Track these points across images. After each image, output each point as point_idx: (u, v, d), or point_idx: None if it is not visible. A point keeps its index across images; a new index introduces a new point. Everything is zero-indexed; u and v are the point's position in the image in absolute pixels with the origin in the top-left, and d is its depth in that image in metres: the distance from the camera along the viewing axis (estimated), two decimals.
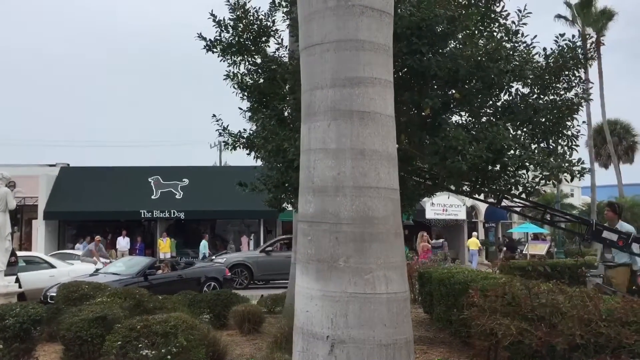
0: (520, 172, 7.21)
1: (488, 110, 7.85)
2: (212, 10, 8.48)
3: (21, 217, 28.73)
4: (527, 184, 7.40)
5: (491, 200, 9.91)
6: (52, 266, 16.22)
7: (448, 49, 7.20)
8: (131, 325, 6.94)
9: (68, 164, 31.68)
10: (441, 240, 19.36)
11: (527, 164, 6.67)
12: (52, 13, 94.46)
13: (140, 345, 6.64)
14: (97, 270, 16.39)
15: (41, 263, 16.19)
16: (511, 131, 7.09)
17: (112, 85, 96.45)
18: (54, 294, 11.76)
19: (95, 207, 27.72)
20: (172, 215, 28.38)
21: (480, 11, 7.65)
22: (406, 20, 6.61)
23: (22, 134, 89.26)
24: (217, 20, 8.46)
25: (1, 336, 7.41)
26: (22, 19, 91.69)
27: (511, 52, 7.31)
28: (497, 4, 8.03)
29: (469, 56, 6.82)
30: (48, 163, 31.48)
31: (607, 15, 36.68)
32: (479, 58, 6.90)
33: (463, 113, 7.87)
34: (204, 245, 26.85)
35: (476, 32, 7.53)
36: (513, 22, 7.55)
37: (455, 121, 7.77)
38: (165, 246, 26.18)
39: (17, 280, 12.61)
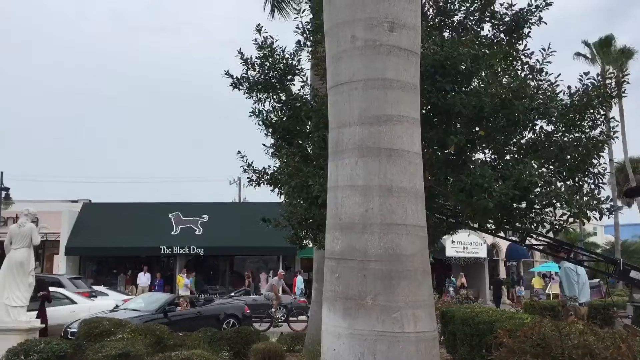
0: (547, 210, 7.15)
1: (512, 148, 7.85)
2: (240, 49, 8.68)
3: (43, 252, 28.94)
4: (554, 222, 7.33)
5: (515, 238, 9.81)
6: (73, 302, 16.25)
7: (472, 86, 7.25)
8: None
9: (90, 200, 32.02)
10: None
11: (554, 201, 6.61)
12: (69, 52, 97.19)
13: None
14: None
15: (62, 298, 16.21)
16: (537, 169, 7.06)
17: (130, 122, 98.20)
18: (75, 330, 11.77)
19: (115, 243, 27.89)
20: (191, 251, 28.43)
21: (504, 50, 7.71)
22: (430, 59, 6.69)
23: (44, 169, 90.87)
24: (244, 58, 8.63)
25: None
26: (49, 55, 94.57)
27: (535, 90, 7.34)
28: (520, 43, 8.11)
29: (494, 94, 6.85)
30: (70, 199, 31.86)
31: (627, 54, 36.68)
32: (504, 96, 6.94)
33: (487, 150, 7.86)
34: (300, 281, 26.94)
35: (500, 70, 7.58)
36: (537, 60, 7.61)
37: (479, 159, 7.77)
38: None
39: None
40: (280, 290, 21.61)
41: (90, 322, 10.72)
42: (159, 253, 28.65)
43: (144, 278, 26.76)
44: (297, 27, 8.83)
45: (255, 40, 8.72)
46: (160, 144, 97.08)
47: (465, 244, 31.52)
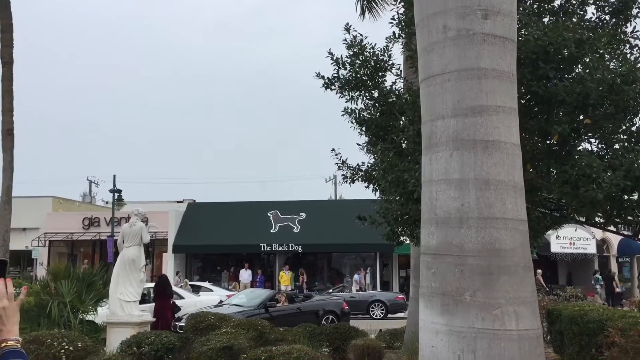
0: None
1: (622, 136, 7.38)
2: (329, 49, 8.73)
3: (152, 250, 30.60)
4: None
5: (627, 232, 9.21)
6: (181, 297, 17.09)
7: (575, 73, 6.88)
8: (256, 356, 7.12)
9: (194, 200, 33.49)
10: None
11: None
12: (179, 60, 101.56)
13: None
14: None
15: None
16: None
17: (225, 125, 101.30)
18: (183, 324, 12.35)
19: (218, 241, 29.07)
20: (290, 249, 29.03)
21: (610, 33, 7.26)
22: (532, 45, 6.41)
23: (153, 172, 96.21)
24: (334, 58, 8.67)
25: None
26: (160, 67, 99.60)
27: None
28: (627, 25, 7.61)
29: (600, 80, 6.46)
30: (176, 199, 33.46)
31: None
32: (611, 81, 6.52)
33: (593, 140, 7.44)
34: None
35: (606, 54, 7.14)
36: None
37: (585, 148, 7.37)
38: (286, 279, 26.72)
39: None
40: None
41: (197, 316, 11.21)
42: (259, 250, 29.50)
43: (245, 275, 27.67)
44: (393, 19, 8.71)
45: (345, 39, 8.74)
46: (259, 145, 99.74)
47: (572, 239, 29.91)
